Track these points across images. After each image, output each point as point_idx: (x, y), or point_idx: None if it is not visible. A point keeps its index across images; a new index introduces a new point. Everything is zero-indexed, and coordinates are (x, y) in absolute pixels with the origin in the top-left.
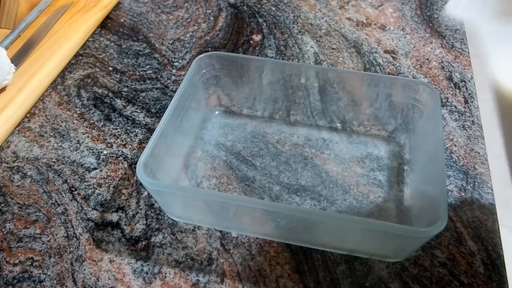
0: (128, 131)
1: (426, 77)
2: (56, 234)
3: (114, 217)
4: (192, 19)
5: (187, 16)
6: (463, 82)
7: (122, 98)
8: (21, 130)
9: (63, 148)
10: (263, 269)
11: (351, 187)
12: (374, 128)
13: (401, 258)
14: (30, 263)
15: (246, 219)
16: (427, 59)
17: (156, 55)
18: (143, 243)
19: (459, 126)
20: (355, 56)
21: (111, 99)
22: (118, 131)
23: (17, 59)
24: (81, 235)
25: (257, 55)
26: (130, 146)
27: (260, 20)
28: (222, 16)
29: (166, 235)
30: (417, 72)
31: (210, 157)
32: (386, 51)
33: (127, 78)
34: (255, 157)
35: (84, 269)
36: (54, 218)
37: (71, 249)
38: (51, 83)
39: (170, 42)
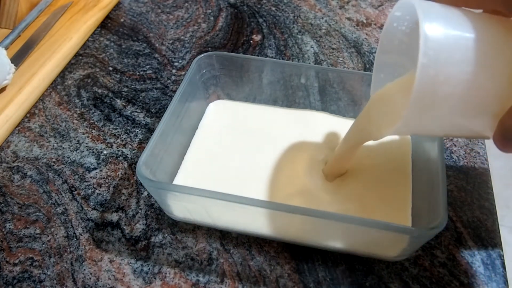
0: (128, 131)
1: None
2: (56, 234)
3: (114, 217)
4: (192, 19)
5: (187, 16)
6: None
7: (122, 98)
8: (21, 130)
9: (63, 148)
10: (263, 269)
11: None
12: None
13: (401, 258)
14: (30, 263)
15: (246, 219)
16: None
17: (156, 55)
18: (143, 243)
19: None
20: (355, 56)
21: (111, 99)
22: (118, 131)
23: (17, 59)
24: (81, 235)
25: (257, 55)
26: (130, 146)
27: (260, 20)
28: (222, 16)
29: (166, 235)
30: None
31: None
32: None
33: (127, 78)
34: None
35: (84, 269)
36: (54, 218)
37: (71, 249)
38: (51, 83)
39: (170, 42)
